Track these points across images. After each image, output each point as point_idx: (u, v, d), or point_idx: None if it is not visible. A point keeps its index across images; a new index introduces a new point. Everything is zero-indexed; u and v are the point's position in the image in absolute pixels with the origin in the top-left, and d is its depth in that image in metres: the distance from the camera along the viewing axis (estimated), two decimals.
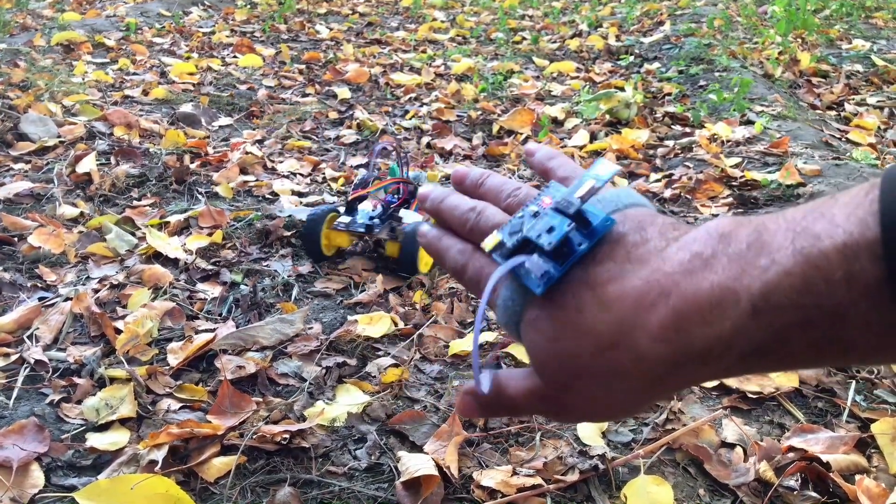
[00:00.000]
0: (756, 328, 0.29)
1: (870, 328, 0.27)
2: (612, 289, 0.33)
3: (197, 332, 1.27)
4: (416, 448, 1.02)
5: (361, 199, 1.55)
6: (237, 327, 1.28)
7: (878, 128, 2.46)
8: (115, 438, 1.01)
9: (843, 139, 2.36)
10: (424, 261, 1.48)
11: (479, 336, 0.39)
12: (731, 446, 1.02)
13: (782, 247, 0.28)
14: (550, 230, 0.36)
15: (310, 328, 1.29)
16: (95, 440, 1.01)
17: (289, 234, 1.64)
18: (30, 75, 2.65)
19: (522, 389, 0.38)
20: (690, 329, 0.30)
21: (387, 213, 1.53)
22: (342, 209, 1.57)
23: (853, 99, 2.78)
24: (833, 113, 2.70)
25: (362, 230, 1.50)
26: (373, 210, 1.54)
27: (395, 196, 1.58)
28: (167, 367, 1.17)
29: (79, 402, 1.09)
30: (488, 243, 0.39)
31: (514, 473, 0.96)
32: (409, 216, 1.53)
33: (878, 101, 2.71)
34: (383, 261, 1.55)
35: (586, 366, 0.34)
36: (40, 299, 1.35)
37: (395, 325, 1.31)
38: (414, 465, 0.96)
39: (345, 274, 1.50)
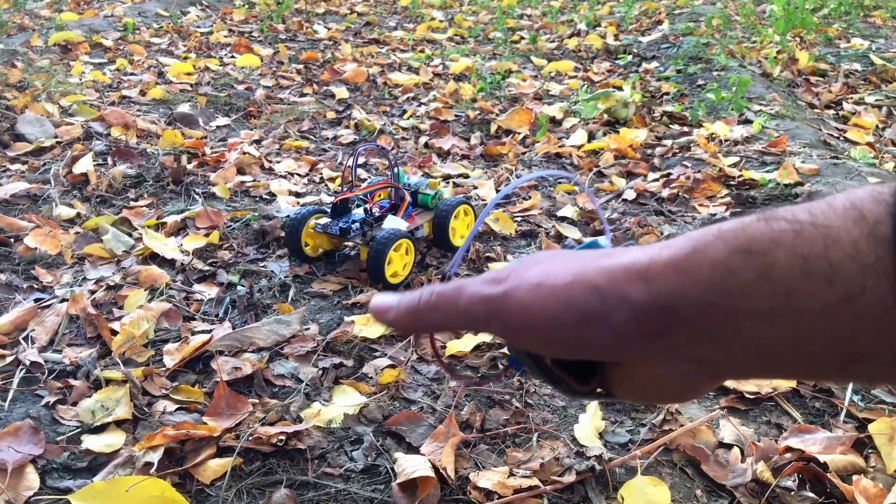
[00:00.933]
0: (756, 226, 0.29)
1: (857, 256, 0.27)
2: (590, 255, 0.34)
3: (193, 334, 1.26)
4: (413, 449, 1.02)
5: (348, 200, 1.51)
6: (234, 328, 1.27)
7: (877, 127, 2.46)
8: (110, 440, 1.01)
9: (842, 138, 2.36)
10: (392, 271, 1.42)
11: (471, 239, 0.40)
12: (729, 447, 1.02)
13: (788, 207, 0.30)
14: None
15: (306, 329, 1.29)
16: (91, 442, 1.01)
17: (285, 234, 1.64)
18: (27, 76, 2.64)
19: (472, 290, 0.36)
20: (674, 244, 0.31)
21: (370, 218, 1.49)
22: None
23: (851, 98, 2.78)
24: (831, 112, 2.70)
25: (336, 232, 1.46)
26: (367, 213, 1.51)
27: (387, 201, 1.55)
28: (163, 369, 1.17)
29: (74, 403, 1.08)
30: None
31: (511, 474, 0.96)
32: (392, 222, 1.47)
33: (877, 100, 2.71)
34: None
35: (543, 264, 0.34)
36: (36, 300, 1.35)
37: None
38: (410, 466, 0.96)
39: (342, 275, 1.50)
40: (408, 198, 1.53)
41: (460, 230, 1.60)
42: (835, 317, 0.28)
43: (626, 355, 0.33)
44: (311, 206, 1.59)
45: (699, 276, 0.30)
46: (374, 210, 1.51)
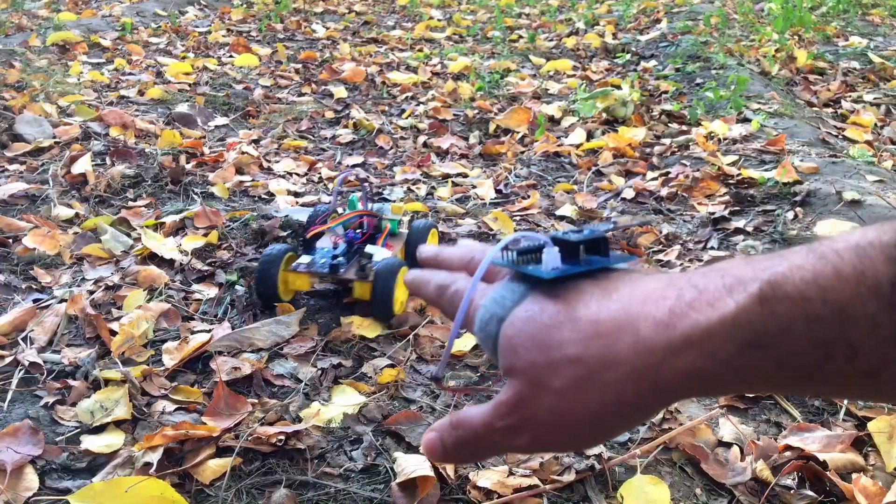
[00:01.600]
0: (760, 315, 0.28)
1: (877, 330, 0.26)
2: (623, 289, 0.33)
3: (192, 333, 1.26)
4: (413, 449, 1.02)
5: (319, 235, 1.40)
6: (233, 328, 1.27)
7: (875, 125, 2.46)
8: (109, 441, 1.01)
9: (840, 136, 2.36)
10: (400, 300, 1.32)
11: (457, 329, 0.38)
12: (728, 445, 1.02)
13: (797, 251, 0.29)
14: (579, 231, 0.37)
15: (305, 329, 1.29)
16: (90, 442, 1.01)
17: (285, 234, 1.64)
18: (25, 76, 2.64)
19: (482, 412, 0.36)
20: (695, 314, 0.30)
21: (352, 251, 1.37)
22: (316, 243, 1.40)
23: (850, 96, 2.78)
24: (830, 110, 2.70)
25: (326, 271, 1.31)
26: (334, 248, 1.37)
27: (359, 231, 1.43)
28: (162, 369, 1.17)
29: (73, 404, 1.08)
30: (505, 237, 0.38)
31: (511, 474, 0.96)
32: (377, 252, 1.36)
33: (875, 99, 2.71)
34: (358, 305, 1.36)
35: (575, 352, 0.32)
36: (35, 301, 1.35)
37: (391, 326, 1.30)
38: (410, 466, 0.96)
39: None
40: (388, 226, 1.45)
41: None
42: (860, 384, 0.28)
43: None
44: (279, 245, 1.41)
45: (719, 364, 0.30)
46: (339, 243, 1.39)
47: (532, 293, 0.35)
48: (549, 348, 0.33)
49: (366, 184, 1.49)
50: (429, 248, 0.46)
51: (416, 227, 1.48)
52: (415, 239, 1.45)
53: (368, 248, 1.37)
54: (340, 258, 1.34)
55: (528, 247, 0.37)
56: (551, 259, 0.35)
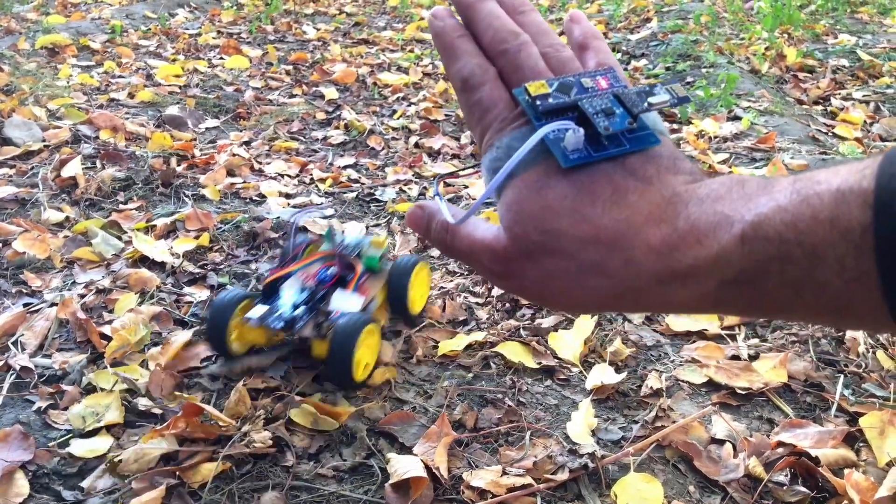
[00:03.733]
0: (741, 255, 0.30)
1: (843, 272, 0.27)
2: (631, 196, 0.34)
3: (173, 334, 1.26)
4: (406, 449, 1.01)
5: (278, 282, 1.19)
6: None
7: (865, 122, 2.47)
8: (97, 445, 1.01)
9: (830, 134, 2.37)
10: (364, 364, 1.11)
11: (488, 195, 0.36)
12: (721, 442, 1.03)
13: (783, 188, 0.30)
14: (610, 115, 0.35)
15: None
16: (77, 447, 1.00)
17: (276, 235, 1.63)
18: (14, 79, 2.63)
19: (481, 237, 0.37)
20: (684, 249, 0.31)
21: (315, 299, 1.16)
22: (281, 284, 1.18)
23: (839, 93, 2.79)
24: (819, 108, 2.71)
25: (280, 326, 1.11)
26: (301, 292, 1.17)
27: (330, 271, 1.22)
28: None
29: (66, 408, 1.08)
30: (533, 85, 0.36)
31: (504, 473, 0.96)
32: (343, 301, 1.15)
33: (864, 96, 2.72)
34: (319, 363, 1.17)
35: (569, 248, 0.33)
36: (25, 305, 1.34)
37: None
38: (403, 466, 0.95)
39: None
40: (360, 267, 1.21)
41: (419, 292, 1.29)
42: (827, 319, 0.30)
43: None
44: (236, 289, 1.23)
45: (697, 296, 0.32)
46: (309, 283, 1.19)
47: (546, 161, 0.35)
48: (545, 232, 0.34)
49: (332, 227, 1.24)
50: None
51: (399, 265, 1.26)
52: (397, 280, 1.24)
53: (335, 297, 1.16)
54: (301, 308, 1.13)
55: (555, 105, 0.35)
56: (575, 140, 0.34)
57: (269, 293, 1.17)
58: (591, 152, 0.34)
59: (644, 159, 0.35)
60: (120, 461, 0.95)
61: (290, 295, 1.16)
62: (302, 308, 1.13)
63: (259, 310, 1.13)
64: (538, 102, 0.35)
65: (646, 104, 0.36)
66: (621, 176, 0.34)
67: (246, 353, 1.19)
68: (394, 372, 1.17)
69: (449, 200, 1.91)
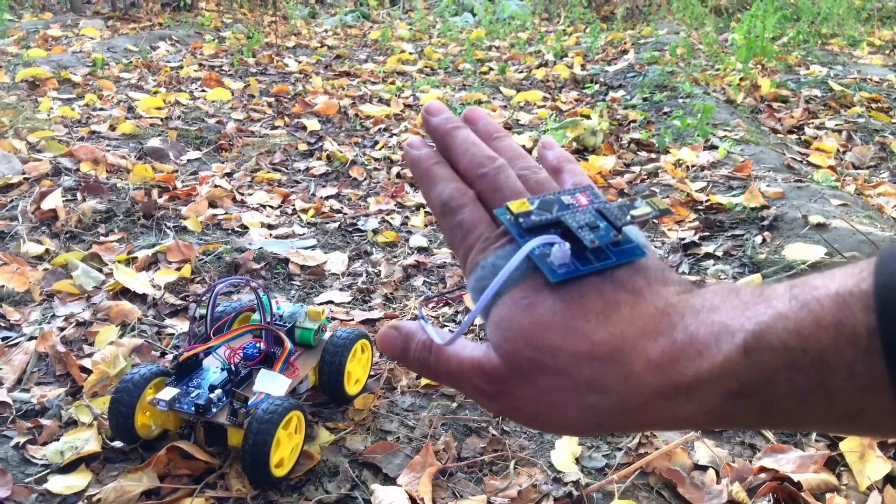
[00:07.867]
0: (745, 366, 0.29)
1: (854, 379, 0.27)
2: (623, 309, 0.33)
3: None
4: (390, 480, 1.01)
5: (196, 359, 1.07)
6: None
7: (837, 150, 2.52)
8: (78, 481, 0.99)
9: (804, 162, 2.42)
10: (279, 457, 0.98)
11: (477, 314, 0.35)
12: (704, 468, 1.03)
13: (780, 295, 0.29)
14: (594, 228, 0.35)
15: None
16: (58, 483, 0.98)
17: (258, 266, 1.63)
18: None
19: (469, 357, 0.35)
20: (685, 361, 0.30)
21: (234, 380, 1.05)
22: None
23: (812, 123, 2.85)
24: (794, 137, 2.76)
25: (191, 411, 0.99)
26: (220, 371, 1.06)
27: (256, 348, 1.10)
28: None
29: (45, 443, 1.06)
30: (514, 204, 0.36)
31: (489, 503, 0.96)
32: (267, 383, 1.03)
33: (837, 125, 2.78)
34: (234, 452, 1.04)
35: (564, 365, 0.32)
36: (3, 339, 1.33)
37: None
38: (387, 498, 0.95)
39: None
40: (288, 344, 1.09)
41: (357, 373, 1.19)
42: (840, 427, 0.29)
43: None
44: (147, 365, 1.07)
45: (702, 410, 0.31)
46: (235, 358, 1.07)
47: (533, 277, 0.34)
48: (538, 348, 0.33)
49: (260, 290, 1.11)
50: (439, 113, 0.41)
51: (335, 340, 1.15)
52: (333, 354, 1.13)
53: (259, 377, 1.04)
54: (218, 391, 1.01)
55: (538, 221, 0.35)
56: (561, 255, 0.34)
57: (184, 371, 1.05)
58: (579, 266, 0.34)
59: (632, 272, 0.35)
60: (99, 500, 0.94)
61: (215, 367, 1.07)
62: (218, 391, 1.01)
63: (169, 391, 1.01)
64: (521, 220, 0.35)
65: (629, 217, 0.36)
66: (611, 289, 0.34)
67: (156, 439, 1.05)
68: (376, 399, 1.16)
69: (433, 230, 1.92)
